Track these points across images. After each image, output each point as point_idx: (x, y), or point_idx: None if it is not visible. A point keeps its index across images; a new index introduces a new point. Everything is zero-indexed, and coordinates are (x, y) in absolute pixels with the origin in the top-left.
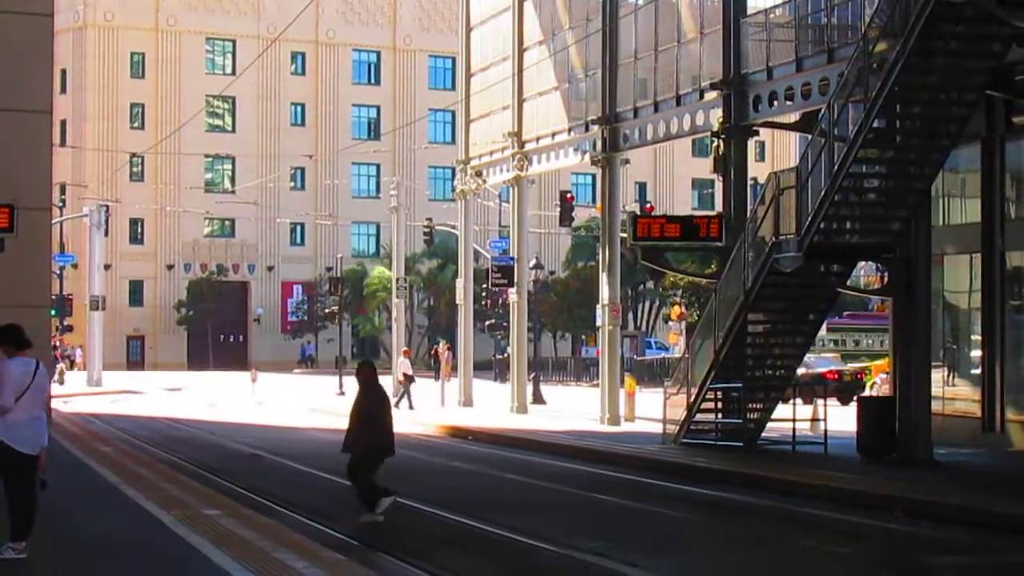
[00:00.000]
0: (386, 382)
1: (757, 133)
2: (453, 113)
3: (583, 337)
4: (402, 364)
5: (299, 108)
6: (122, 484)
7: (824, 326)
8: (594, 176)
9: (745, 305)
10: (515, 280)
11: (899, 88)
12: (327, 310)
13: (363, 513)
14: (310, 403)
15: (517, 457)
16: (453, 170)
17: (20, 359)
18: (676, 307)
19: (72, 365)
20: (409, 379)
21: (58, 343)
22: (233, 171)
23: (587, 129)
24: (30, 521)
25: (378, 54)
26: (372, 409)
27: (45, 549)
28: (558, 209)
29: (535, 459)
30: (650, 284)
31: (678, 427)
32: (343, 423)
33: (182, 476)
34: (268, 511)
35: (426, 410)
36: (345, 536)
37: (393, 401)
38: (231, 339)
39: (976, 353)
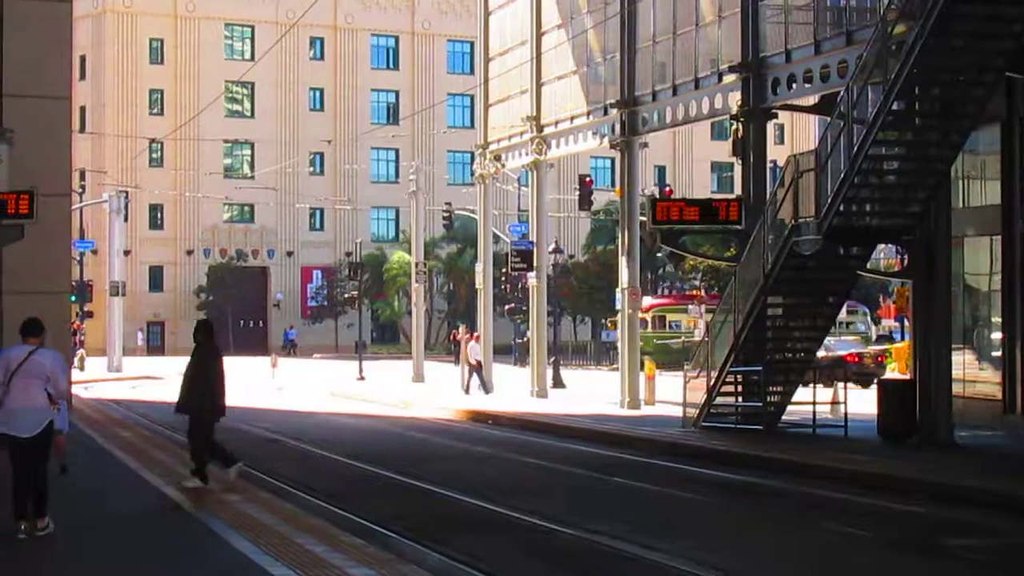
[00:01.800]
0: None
1: (776, 116)
2: (472, 97)
3: (603, 321)
4: (473, 349)
5: (318, 93)
6: (142, 469)
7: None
8: (613, 160)
9: (765, 288)
10: (535, 264)
11: (918, 70)
12: (347, 295)
13: (188, 479)
14: (330, 388)
15: (537, 441)
16: (472, 154)
17: (21, 346)
18: (696, 291)
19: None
20: (479, 364)
21: (76, 329)
22: (252, 157)
23: (606, 113)
24: (43, 498)
25: (396, 39)
26: (196, 371)
27: (65, 533)
28: (577, 193)
29: (555, 443)
30: (670, 268)
31: (698, 410)
32: (363, 407)
33: None
34: (287, 495)
35: (446, 394)
36: (364, 520)
37: (463, 387)
38: (251, 324)
39: (996, 335)
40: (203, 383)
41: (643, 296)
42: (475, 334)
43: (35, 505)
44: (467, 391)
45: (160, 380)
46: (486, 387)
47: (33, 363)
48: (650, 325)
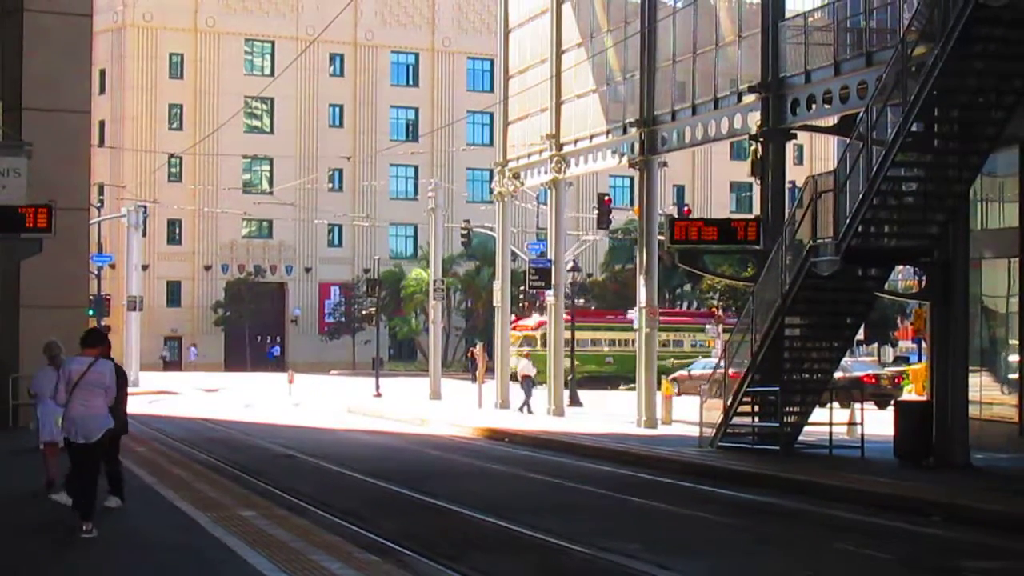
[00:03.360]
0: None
1: (795, 136)
2: (491, 115)
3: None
4: (523, 366)
5: (337, 109)
6: (157, 484)
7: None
8: (632, 179)
9: (782, 308)
10: (552, 282)
11: (937, 91)
12: (364, 312)
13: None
14: (347, 404)
15: (553, 459)
16: (491, 172)
17: (80, 357)
18: (714, 310)
19: None
20: (525, 378)
21: None
22: (271, 172)
23: (625, 131)
24: (90, 503)
25: (416, 56)
26: None
27: (78, 549)
28: (596, 211)
29: (570, 461)
30: (688, 287)
31: (715, 430)
32: (380, 424)
33: (217, 476)
34: (302, 512)
35: (463, 412)
36: (379, 537)
37: (517, 406)
38: (268, 340)
39: (1014, 358)
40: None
41: (532, 313)
42: (525, 351)
43: (113, 487)
44: (527, 410)
45: (177, 395)
46: (527, 405)
47: (94, 374)
48: (538, 343)
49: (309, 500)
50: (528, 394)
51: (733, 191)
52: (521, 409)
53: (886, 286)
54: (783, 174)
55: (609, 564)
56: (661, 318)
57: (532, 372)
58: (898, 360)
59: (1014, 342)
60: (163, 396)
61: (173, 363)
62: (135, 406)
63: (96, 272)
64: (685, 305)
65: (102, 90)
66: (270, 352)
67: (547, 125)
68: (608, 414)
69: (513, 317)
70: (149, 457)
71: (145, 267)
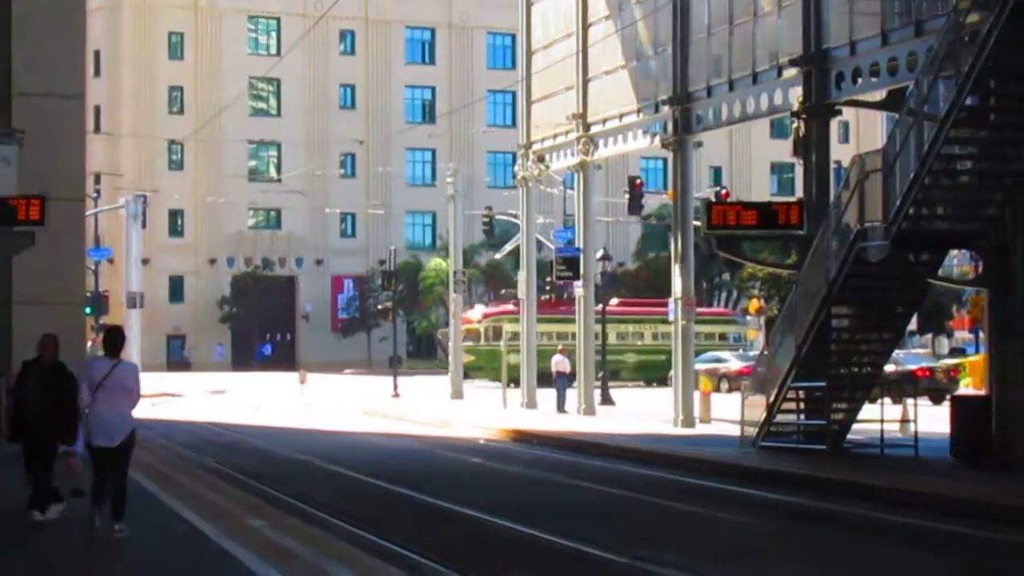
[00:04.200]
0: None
1: (840, 112)
2: (513, 94)
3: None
4: (556, 361)
5: (349, 90)
6: (161, 492)
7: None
8: (665, 160)
9: (828, 298)
10: (581, 272)
11: (993, 62)
12: (380, 306)
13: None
14: (363, 405)
15: (583, 462)
16: (514, 155)
17: (102, 359)
18: (754, 300)
19: None
20: (561, 374)
21: (92, 342)
22: (279, 158)
23: (657, 110)
24: (123, 502)
25: (432, 32)
26: (40, 391)
27: (75, 563)
28: (627, 196)
29: (602, 464)
30: (726, 276)
31: (757, 429)
32: (398, 426)
33: (225, 484)
34: (317, 521)
35: (487, 412)
36: (399, 547)
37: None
38: (278, 338)
39: None
40: (54, 404)
41: (475, 305)
42: (560, 346)
43: (115, 508)
44: (559, 409)
45: (181, 398)
46: (559, 402)
47: (117, 375)
48: (483, 336)
49: (324, 508)
50: (561, 393)
51: (774, 172)
52: (559, 409)
53: (940, 272)
54: (827, 153)
55: (645, 575)
56: (643, 309)
57: (567, 368)
58: (954, 352)
59: None
60: (166, 399)
61: (178, 363)
62: (136, 410)
63: (93, 267)
64: (724, 296)
65: (97, 72)
66: (260, 350)
67: (573, 104)
68: (643, 413)
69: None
70: (152, 464)
71: (145, 261)
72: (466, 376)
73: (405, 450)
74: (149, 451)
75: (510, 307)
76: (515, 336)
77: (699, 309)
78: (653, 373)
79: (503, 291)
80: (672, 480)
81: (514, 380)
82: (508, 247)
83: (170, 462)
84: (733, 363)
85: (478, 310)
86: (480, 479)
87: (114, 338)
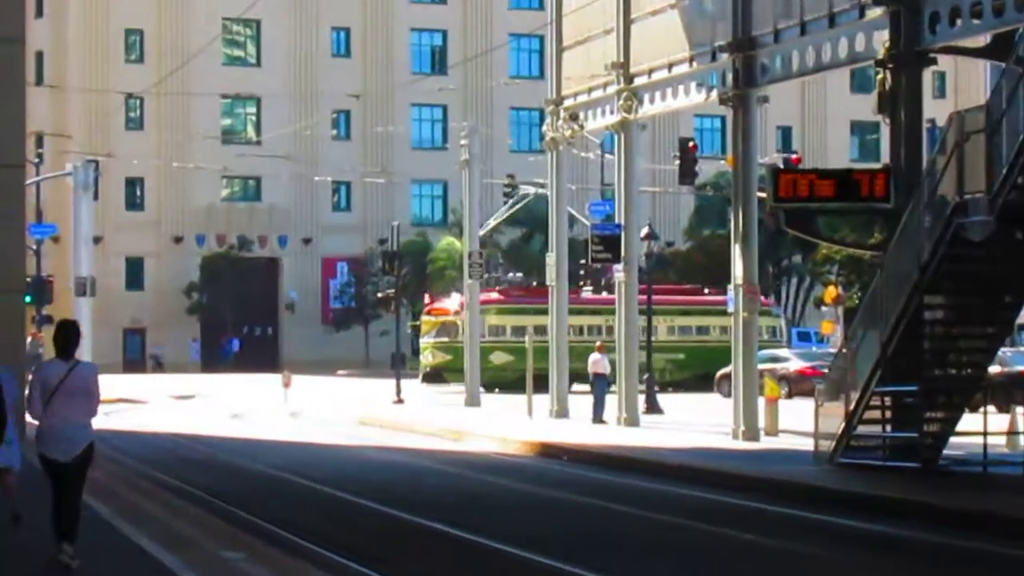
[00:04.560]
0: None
1: (935, 61)
2: (541, 39)
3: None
4: (594, 361)
5: (342, 34)
6: (115, 518)
7: None
8: (723, 119)
9: (920, 285)
10: (622, 254)
11: None
12: (380, 294)
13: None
14: (359, 413)
15: (626, 483)
16: (541, 112)
17: (56, 361)
18: (831, 288)
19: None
20: (598, 376)
21: (32, 338)
22: (258, 116)
23: (714, 58)
24: (75, 524)
25: None
26: None
27: None
28: (677, 162)
29: (649, 485)
30: (797, 258)
31: (834, 443)
32: (402, 439)
33: (193, 508)
34: (303, 553)
35: (508, 422)
36: None
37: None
38: (257, 332)
39: None
40: None
41: (453, 293)
42: (599, 342)
43: (67, 529)
44: (596, 419)
45: (143, 404)
46: (596, 411)
47: (74, 379)
48: (462, 330)
49: (311, 537)
50: (600, 398)
51: (854, 134)
52: (595, 419)
53: None
54: (920, 111)
55: None
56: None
57: (607, 370)
58: None
59: None
60: (124, 406)
61: (136, 363)
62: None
63: (34, 247)
64: (795, 282)
65: (39, 12)
66: (227, 347)
67: (613, 51)
68: (696, 423)
69: (427, 300)
70: (105, 484)
71: (97, 240)
72: (438, 379)
73: (410, 467)
74: (102, 468)
75: (495, 295)
76: (498, 330)
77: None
78: (673, 375)
79: (485, 276)
80: (737, 505)
81: (499, 384)
82: (492, 222)
83: (128, 481)
84: (794, 362)
85: (455, 299)
86: (505, 504)
87: (67, 335)
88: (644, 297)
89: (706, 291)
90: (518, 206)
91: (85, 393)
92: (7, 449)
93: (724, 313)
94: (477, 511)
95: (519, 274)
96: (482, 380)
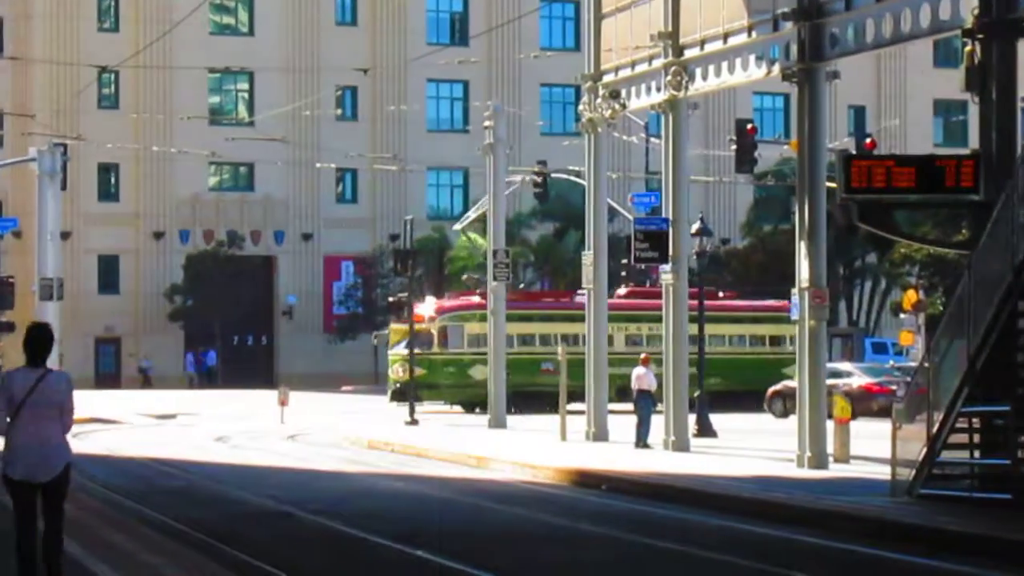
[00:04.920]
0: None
1: None
2: (576, 5)
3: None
4: (639, 376)
5: (348, 0)
6: (87, 557)
7: None
8: (787, 97)
9: (1014, 289)
10: (670, 252)
11: None
12: (391, 298)
13: None
14: (366, 435)
15: (675, 516)
16: (577, 90)
17: (25, 370)
18: (910, 292)
19: None
20: (641, 393)
21: None
22: (251, 93)
23: (776, 27)
24: (59, 555)
25: None
26: None
27: None
28: (734, 147)
29: (701, 519)
30: (871, 258)
31: (914, 471)
32: (416, 466)
33: (176, 545)
34: None
35: (537, 446)
36: None
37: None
38: (248, 342)
39: None
40: None
41: (427, 296)
42: (644, 354)
43: (50, 563)
44: (640, 443)
45: (117, 425)
46: (640, 433)
47: (44, 390)
48: (437, 339)
49: None
50: (645, 419)
51: (938, 114)
52: (638, 443)
53: None
54: (1014, 88)
55: None
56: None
57: (653, 386)
58: None
59: None
60: (97, 426)
61: (108, 376)
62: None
63: None
64: (868, 285)
65: None
66: (203, 361)
67: (659, 18)
68: (753, 448)
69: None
70: (76, 516)
71: (66, 235)
72: (403, 396)
73: (426, 498)
74: (72, 499)
75: (476, 299)
76: (480, 339)
77: (737, 302)
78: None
79: (464, 276)
80: (804, 543)
81: (480, 404)
82: (472, 214)
83: (101, 514)
84: (857, 377)
85: (430, 303)
86: (528, 539)
87: (39, 340)
88: (634, 302)
89: (721, 295)
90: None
91: (56, 406)
92: None
93: (767, 321)
94: (499, 547)
95: (475, 276)
96: (461, 398)
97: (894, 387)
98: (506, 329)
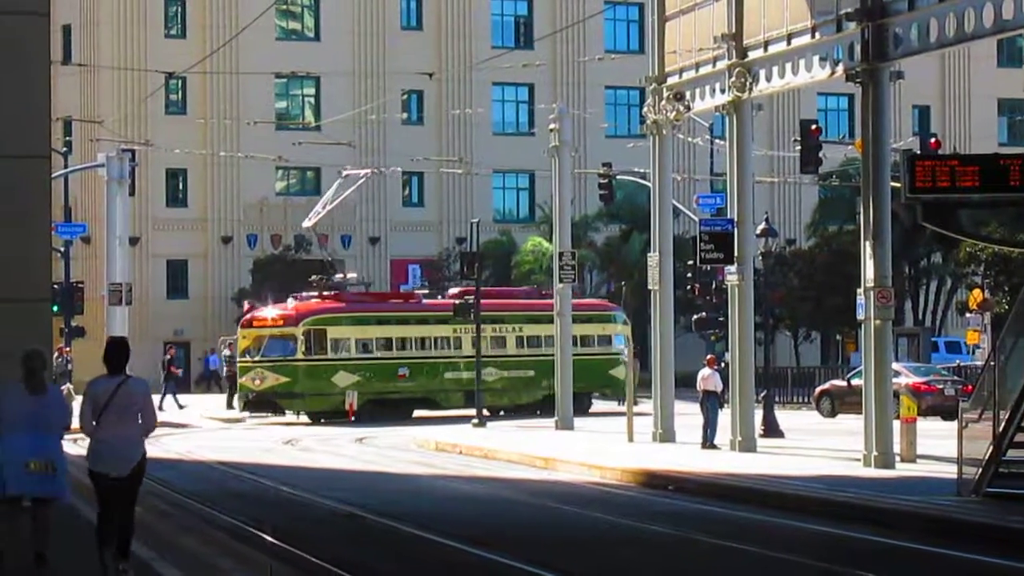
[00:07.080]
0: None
1: None
2: (640, 8)
3: (839, 337)
4: (705, 377)
5: (413, 4)
6: (157, 559)
7: None
8: (851, 98)
9: None
10: (735, 254)
11: None
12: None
13: None
14: (434, 437)
15: (743, 516)
16: (641, 92)
17: (105, 378)
18: (976, 291)
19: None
20: (710, 395)
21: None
22: (317, 98)
23: (840, 27)
24: (128, 541)
25: None
26: None
27: None
28: (798, 148)
29: (770, 520)
30: (936, 257)
31: (980, 470)
32: (483, 467)
33: (246, 548)
34: None
35: (603, 447)
36: None
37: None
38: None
39: None
40: None
41: (289, 298)
42: (710, 355)
43: (120, 546)
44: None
45: (188, 428)
46: (706, 434)
47: (124, 395)
48: (300, 346)
49: None
50: (711, 420)
51: (1003, 114)
52: (705, 443)
53: None
54: None
55: None
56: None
57: (719, 387)
58: None
59: None
60: (168, 431)
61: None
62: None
63: (62, 249)
64: (934, 285)
65: None
66: (206, 363)
67: (723, 20)
68: (819, 448)
69: (246, 306)
70: (147, 521)
71: (134, 241)
72: (266, 407)
73: (494, 500)
74: (143, 504)
75: (337, 302)
76: (338, 343)
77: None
78: (523, 396)
79: (313, 277)
80: (873, 542)
81: (342, 413)
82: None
83: (171, 518)
84: (905, 376)
85: (290, 304)
86: (600, 540)
87: (116, 352)
88: (508, 302)
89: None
90: None
91: (135, 409)
92: (53, 478)
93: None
94: (571, 549)
95: (353, 275)
96: (325, 407)
97: (941, 386)
98: (364, 332)
